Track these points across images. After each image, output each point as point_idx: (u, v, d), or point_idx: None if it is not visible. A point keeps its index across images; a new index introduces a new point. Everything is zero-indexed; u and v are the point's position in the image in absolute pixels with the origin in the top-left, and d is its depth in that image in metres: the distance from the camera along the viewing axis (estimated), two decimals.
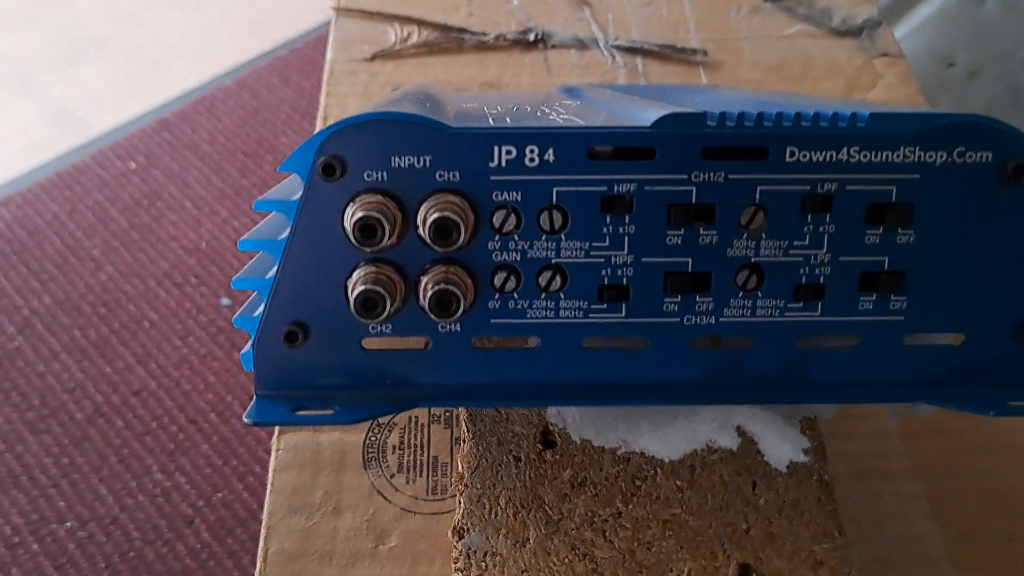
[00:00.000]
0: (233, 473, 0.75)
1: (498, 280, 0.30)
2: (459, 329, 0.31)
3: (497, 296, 0.31)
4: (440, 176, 0.29)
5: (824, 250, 0.30)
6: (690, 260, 0.30)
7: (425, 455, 0.45)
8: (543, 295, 0.31)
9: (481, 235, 0.30)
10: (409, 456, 0.45)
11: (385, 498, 0.44)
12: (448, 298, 0.29)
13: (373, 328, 0.31)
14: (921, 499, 0.43)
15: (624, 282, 0.30)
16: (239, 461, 0.76)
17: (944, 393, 0.32)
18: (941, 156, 0.29)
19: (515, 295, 0.31)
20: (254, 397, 0.31)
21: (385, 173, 0.29)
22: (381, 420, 0.45)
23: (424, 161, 0.29)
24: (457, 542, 0.33)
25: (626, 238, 0.30)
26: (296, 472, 0.44)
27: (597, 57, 0.64)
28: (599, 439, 0.35)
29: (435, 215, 0.28)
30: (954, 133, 0.29)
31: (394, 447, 0.45)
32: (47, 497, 0.73)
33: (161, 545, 0.71)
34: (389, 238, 0.29)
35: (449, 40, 0.65)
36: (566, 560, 0.32)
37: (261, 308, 0.31)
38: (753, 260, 0.30)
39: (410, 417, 0.45)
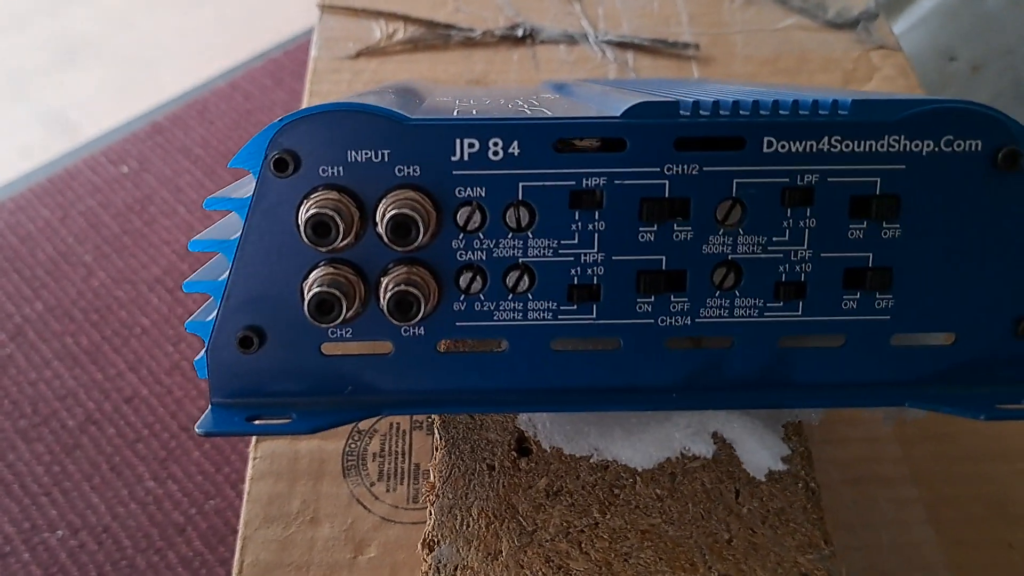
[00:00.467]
0: (225, 481, 0.74)
1: (463, 281, 0.29)
2: (423, 333, 0.30)
3: (462, 297, 0.29)
4: (400, 171, 0.28)
5: (805, 246, 0.29)
6: (664, 258, 0.29)
7: (406, 462, 0.44)
8: (510, 296, 0.29)
9: (444, 233, 0.29)
10: (390, 464, 0.44)
11: (364, 507, 0.43)
12: (408, 300, 0.28)
13: (332, 332, 0.29)
14: (918, 505, 0.42)
15: (595, 281, 0.29)
16: (231, 468, 0.75)
17: (934, 395, 0.31)
18: (928, 145, 0.28)
19: (481, 296, 0.29)
20: (209, 406, 0.30)
21: (341, 168, 0.28)
22: (361, 427, 0.44)
23: (382, 155, 0.28)
24: (427, 555, 0.32)
25: (596, 235, 0.29)
26: (273, 480, 0.44)
27: (587, 52, 0.63)
28: (570, 447, 0.33)
29: (393, 212, 0.27)
30: (941, 120, 0.28)
31: (374, 454, 0.44)
32: (38, 506, 0.73)
33: (153, 554, 0.70)
34: (345, 237, 0.27)
35: (435, 36, 0.64)
36: (540, 573, 0.31)
37: (214, 312, 0.29)
38: (730, 257, 0.29)
39: (391, 424, 0.44)
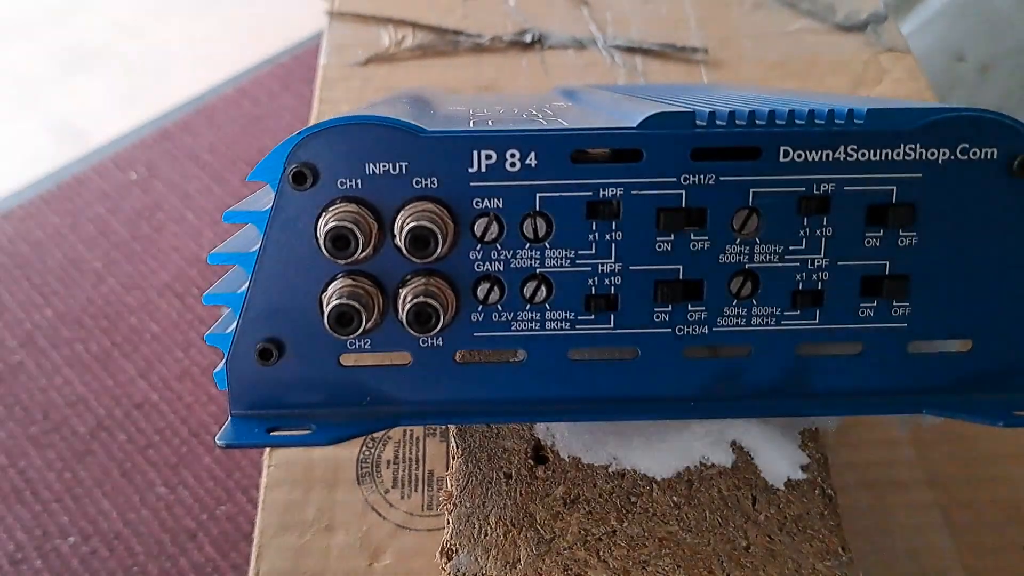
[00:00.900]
0: (236, 486, 0.75)
1: (481, 291, 0.29)
2: (441, 343, 0.30)
3: (480, 308, 0.30)
4: (417, 183, 0.28)
5: (822, 254, 0.29)
6: (681, 267, 0.29)
7: (421, 469, 0.44)
8: (528, 306, 0.30)
9: (462, 244, 0.29)
10: (404, 471, 0.44)
11: (379, 514, 0.43)
12: (427, 311, 0.28)
13: (351, 344, 0.30)
14: (933, 510, 0.42)
15: (612, 291, 0.29)
16: (242, 474, 0.75)
17: (951, 402, 0.31)
18: (944, 153, 0.28)
19: (499, 307, 0.30)
20: (229, 417, 0.30)
21: (359, 180, 0.28)
22: (375, 434, 0.44)
23: (400, 167, 0.28)
24: (445, 564, 0.32)
25: (613, 245, 0.29)
26: (288, 488, 0.44)
27: (596, 57, 0.64)
28: (588, 456, 0.33)
29: (412, 224, 0.27)
30: (957, 128, 0.28)
31: (388, 462, 0.44)
32: (50, 512, 0.73)
33: (165, 560, 0.71)
34: (364, 249, 0.27)
35: (444, 43, 0.64)
36: None
37: (234, 324, 0.29)
38: (747, 266, 0.29)
39: (405, 431, 0.45)
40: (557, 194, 0.28)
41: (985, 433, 0.44)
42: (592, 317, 0.30)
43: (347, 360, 0.30)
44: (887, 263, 0.29)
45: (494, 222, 0.28)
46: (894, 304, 0.30)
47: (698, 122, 0.28)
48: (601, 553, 0.32)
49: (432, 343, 0.30)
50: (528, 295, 0.29)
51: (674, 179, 0.28)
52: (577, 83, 0.61)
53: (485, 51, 0.64)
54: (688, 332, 0.30)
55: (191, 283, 0.88)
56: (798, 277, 0.29)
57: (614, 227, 0.29)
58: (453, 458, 0.35)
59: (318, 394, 0.30)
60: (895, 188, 0.29)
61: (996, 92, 0.90)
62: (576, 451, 0.34)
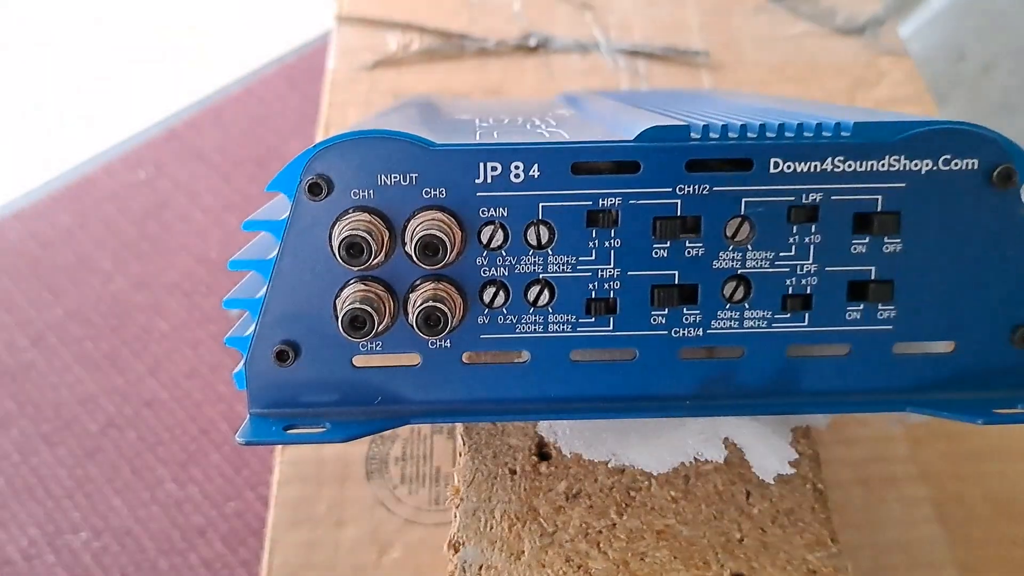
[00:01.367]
0: (245, 483, 0.75)
1: (487, 295, 0.31)
2: (449, 345, 0.31)
3: (486, 311, 0.31)
4: (426, 193, 0.29)
5: (811, 260, 0.30)
6: (677, 272, 0.30)
7: (428, 466, 0.45)
8: (532, 310, 0.31)
9: (469, 251, 0.30)
10: (412, 468, 0.45)
11: (388, 509, 0.44)
12: (436, 315, 0.29)
13: (363, 346, 0.31)
14: (925, 504, 0.43)
15: (611, 295, 0.31)
16: (250, 471, 0.76)
17: (935, 401, 0.32)
18: (926, 164, 0.29)
19: (504, 310, 0.31)
20: (247, 416, 0.31)
21: (371, 191, 0.29)
22: (384, 432, 0.45)
23: (410, 178, 0.29)
24: (453, 556, 0.33)
25: (612, 252, 0.30)
26: (299, 485, 0.45)
27: (599, 61, 0.65)
28: (589, 452, 0.35)
29: (422, 232, 0.28)
30: (940, 140, 0.29)
31: (397, 459, 0.45)
32: (62, 509, 0.74)
33: (175, 555, 0.71)
34: (376, 256, 0.29)
35: (450, 47, 0.65)
36: (561, 572, 0.32)
37: (252, 328, 0.31)
38: (740, 271, 0.30)
39: (413, 429, 0.46)
40: (559, 203, 0.29)
41: (975, 430, 0.45)
42: (592, 320, 0.31)
43: (359, 361, 0.31)
44: (873, 269, 0.30)
45: (499, 230, 0.30)
46: (880, 307, 0.31)
47: (692, 135, 0.29)
48: (601, 545, 0.33)
49: (440, 345, 0.31)
50: (532, 299, 0.31)
51: (670, 189, 0.29)
52: (581, 87, 0.62)
53: (491, 55, 0.65)
54: (684, 334, 0.31)
55: (199, 282, 0.89)
56: (788, 282, 0.31)
57: (613, 235, 0.30)
58: (460, 455, 0.36)
59: (332, 394, 0.31)
60: (880, 197, 0.30)
61: (997, 91, 0.90)
62: (577, 448, 0.35)
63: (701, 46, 0.65)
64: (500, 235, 0.30)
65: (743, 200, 0.30)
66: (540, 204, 0.29)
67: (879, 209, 0.30)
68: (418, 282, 0.30)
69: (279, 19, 1.16)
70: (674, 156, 0.29)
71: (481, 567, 0.33)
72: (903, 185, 0.30)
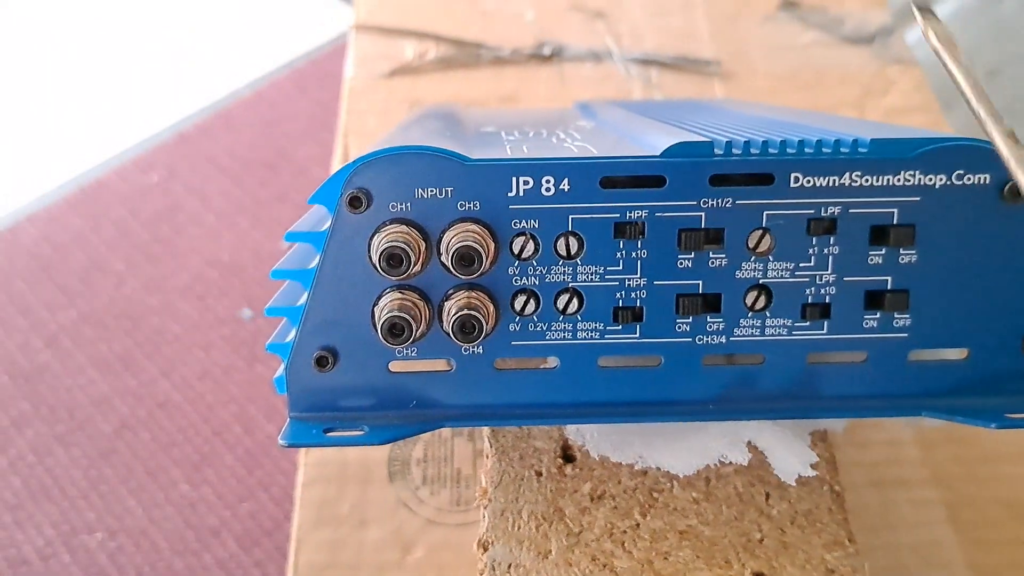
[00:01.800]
0: (258, 484, 0.76)
1: (518, 304, 0.32)
2: (482, 351, 0.32)
3: (518, 319, 0.32)
4: (462, 206, 0.30)
5: (829, 271, 0.31)
6: (701, 282, 0.32)
7: (449, 468, 0.46)
8: (561, 317, 0.32)
9: (501, 261, 0.31)
10: (433, 469, 0.46)
11: (410, 510, 0.45)
12: (471, 323, 0.30)
13: (399, 352, 0.32)
14: (937, 506, 0.44)
15: (638, 304, 0.32)
16: (263, 472, 0.76)
17: (948, 406, 0.33)
18: (940, 179, 0.30)
19: (535, 318, 0.32)
20: (288, 420, 0.32)
21: (409, 204, 0.30)
22: None
23: (446, 192, 0.30)
24: (482, 555, 0.34)
25: (639, 262, 0.31)
26: (323, 486, 0.46)
27: (612, 70, 0.65)
28: (616, 455, 0.36)
29: (458, 244, 0.30)
30: (953, 156, 0.30)
31: (418, 460, 0.46)
32: (77, 509, 0.74)
33: (189, 556, 0.72)
34: (414, 266, 0.30)
35: (466, 55, 0.66)
36: (587, 571, 0.33)
37: (292, 334, 0.32)
38: (761, 281, 0.32)
39: (433, 431, 0.46)
40: (588, 216, 0.31)
41: (986, 434, 0.45)
42: (620, 328, 0.32)
43: (395, 367, 0.32)
44: (889, 279, 0.32)
45: (531, 241, 0.31)
46: (896, 316, 0.32)
47: (716, 151, 0.30)
48: (626, 545, 0.34)
49: (473, 351, 0.32)
50: (561, 307, 0.32)
51: (694, 203, 0.30)
52: (594, 95, 0.63)
53: (505, 63, 0.65)
54: (707, 342, 0.32)
55: (211, 284, 0.89)
56: (808, 292, 0.32)
57: (640, 246, 0.31)
58: (487, 457, 0.37)
59: (369, 398, 0.33)
60: (896, 211, 0.31)
61: (1002, 97, 0.90)
62: (605, 451, 0.36)
63: (712, 55, 0.66)
64: (531, 246, 0.31)
65: (764, 213, 0.31)
66: (570, 216, 0.31)
67: (895, 222, 0.31)
68: (452, 291, 0.31)
69: (289, 24, 1.16)
70: (699, 171, 0.30)
71: (510, 566, 0.34)
72: (918, 199, 0.31)
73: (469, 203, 0.30)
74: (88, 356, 0.84)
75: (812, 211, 0.31)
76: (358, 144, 0.59)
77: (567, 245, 0.31)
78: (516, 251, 0.31)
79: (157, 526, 0.73)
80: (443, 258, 0.30)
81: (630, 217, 0.31)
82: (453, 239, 0.30)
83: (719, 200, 0.31)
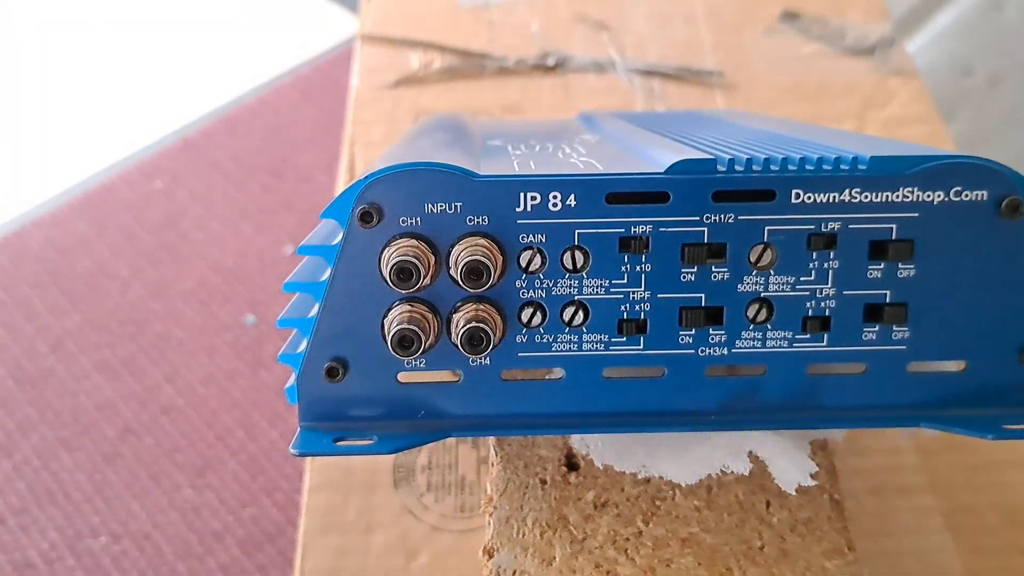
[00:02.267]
0: (261, 489, 0.76)
1: (525, 316, 0.32)
2: (489, 363, 0.33)
3: (524, 331, 0.32)
4: (470, 220, 0.31)
5: (829, 284, 0.32)
6: (703, 295, 0.32)
7: (453, 475, 0.46)
8: (567, 329, 0.32)
9: (509, 275, 0.32)
10: (438, 476, 0.46)
11: (415, 516, 0.45)
12: (479, 335, 0.31)
13: (408, 363, 0.32)
14: (936, 513, 0.44)
15: (642, 316, 0.32)
16: (266, 477, 0.76)
17: (947, 417, 0.33)
18: (938, 195, 0.31)
19: (541, 330, 0.32)
20: (298, 429, 0.33)
21: (419, 219, 0.31)
22: None
23: (455, 207, 0.31)
24: (487, 561, 0.35)
25: (643, 275, 0.32)
26: (329, 492, 0.46)
27: (615, 80, 0.66)
28: (620, 464, 0.36)
29: (467, 258, 0.30)
30: (951, 173, 0.31)
31: (423, 467, 0.47)
32: (81, 513, 0.74)
33: (193, 560, 0.72)
34: (423, 279, 0.30)
35: (470, 65, 0.66)
36: None
37: (303, 345, 0.32)
38: (763, 295, 0.32)
39: None
40: (593, 231, 0.31)
41: (984, 443, 0.46)
42: (624, 339, 0.32)
43: (404, 378, 0.33)
44: (888, 292, 0.32)
45: (538, 255, 0.31)
46: (894, 329, 0.32)
47: (719, 167, 0.31)
48: (629, 552, 0.34)
49: (481, 363, 0.33)
50: (567, 319, 0.32)
51: (697, 218, 0.31)
52: (597, 105, 0.63)
53: (510, 74, 0.66)
54: (710, 353, 0.33)
55: (215, 290, 0.89)
56: (808, 305, 0.32)
57: (644, 260, 0.31)
58: (492, 465, 0.38)
59: (378, 408, 0.33)
60: (895, 226, 0.31)
61: (1004, 106, 0.90)
62: (609, 460, 0.36)
63: (714, 66, 0.66)
64: (538, 260, 0.31)
65: (766, 228, 0.31)
66: (576, 231, 0.31)
67: (894, 237, 0.31)
68: (460, 303, 0.32)
69: (294, 30, 1.17)
70: (702, 187, 0.31)
71: (515, 572, 0.34)
72: (916, 215, 0.31)
73: (478, 218, 0.31)
74: (92, 361, 0.84)
75: (812, 226, 0.31)
76: (363, 153, 0.60)
77: (573, 259, 0.31)
78: (523, 265, 0.31)
79: (161, 530, 0.73)
80: (452, 272, 0.31)
81: (634, 232, 0.31)
82: (462, 253, 0.31)
83: (721, 215, 0.31)
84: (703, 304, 0.32)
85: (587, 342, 0.33)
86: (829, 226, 0.31)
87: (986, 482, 0.46)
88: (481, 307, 0.32)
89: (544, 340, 0.33)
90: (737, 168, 0.31)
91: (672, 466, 0.36)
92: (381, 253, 0.31)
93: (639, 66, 0.66)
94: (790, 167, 0.31)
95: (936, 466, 0.46)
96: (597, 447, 0.37)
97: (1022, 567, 0.44)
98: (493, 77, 0.66)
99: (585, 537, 0.35)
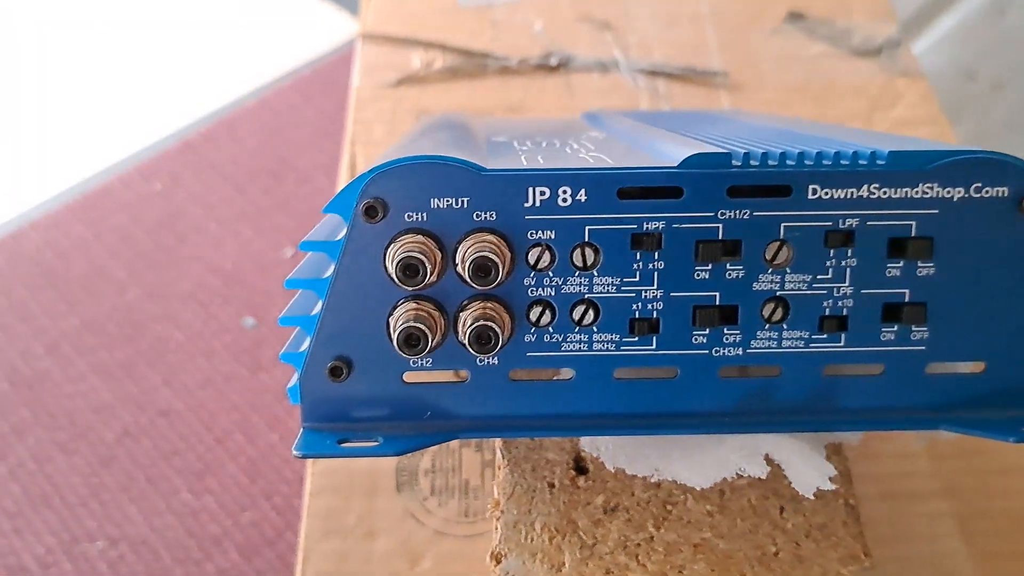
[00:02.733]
0: (260, 493, 0.75)
1: (534, 315, 0.31)
2: (496, 362, 0.32)
3: (533, 330, 0.32)
4: (478, 216, 0.30)
5: (847, 283, 0.31)
6: (718, 294, 0.31)
7: (457, 478, 0.46)
8: (577, 328, 0.32)
9: (517, 272, 0.31)
10: (441, 479, 0.46)
11: (418, 521, 0.45)
12: (487, 333, 0.30)
13: (414, 362, 0.32)
14: (948, 519, 0.44)
15: (654, 315, 0.32)
16: (265, 481, 0.76)
17: (966, 419, 0.33)
18: (959, 192, 0.30)
19: (550, 329, 0.32)
20: (301, 430, 0.32)
21: (425, 214, 0.30)
22: None
23: (462, 202, 0.30)
24: (495, 567, 0.34)
25: (656, 273, 0.31)
26: (330, 496, 0.46)
27: (620, 80, 0.65)
28: (632, 467, 0.36)
29: (474, 254, 0.30)
30: (971, 169, 0.30)
31: (426, 471, 0.46)
32: (78, 517, 0.74)
33: (191, 565, 0.71)
34: (430, 276, 0.30)
35: (473, 65, 0.66)
36: None
37: (306, 344, 0.32)
38: (778, 293, 0.31)
39: None
40: (605, 227, 0.30)
41: (998, 447, 0.45)
42: (636, 339, 0.32)
43: (410, 377, 0.32)
44: (907, 292, 0.31)
45: (547, 252, 0.31)
46: (913, 329, 0.32)
47: (734, 162, 0.30)
48: (640, 558, 0.34)
49: (489, 362, 0.32)
50: (577, 318, 0.31)
51: (712, 214, 0.30)
52: (601, 106, 0.63)
53: (512, 73, 0.65)
54: (724, 354, 0.32)
55: (213, 292, 0.89)
56: (825, 304, 0.32)
57: (657, 257, 0.31)
58: (499, 468, 0.37)
59: (383, 408, 0.32)
60: (914, 223, 0.31)
61: (1008, 109, 0.91)
62: (620, 463, 0.36)
63: (720, 66, 0.66)
64: (547, 256, 0.31)
65: (782, 225, 0.31)
66: (587, 227, 0.30)
67: (913, 234, 0.31)
68: (468, 301, 0.31)
69: (293, 32, 1.17)
70: (716, 182, 0.30)
71: None
72: (936, 211, 0.31)
73: (485, 213, 0.30)
74: (89, 363, 0.84)
75: (830, 223, 0.31)
76: (365, 153, 0.59)
77: (583, 256, 0.31)
78: (532, 262, 0.31)
79: (158, 535, 0.73)
80: (459, 268, 0.30)
81: (647, 228, 0.31)
82: (469, 249, 0.30)
83: (736, 211, 0.30)
84: (717, 303, 0.32)
85: (598, 342, 0.32)
86: (847, 223, 0.31)
87: (999, 487, 0.45)
88: (489, 305, 0.31)
89: (553, 339, 0.32)
90: (752, 163, 0.30)
91: (686, 469, 0.35)
92: (386, 249, 0.30)
93: (643, 66, 0.65)
94: (807, 161, 0.30)
95: (949, 471, 0.45)
96: (608, 449, 0.36)
97: None
98: (496, 77, 0.65)
99: (595, 542, 0.34)
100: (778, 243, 0.31)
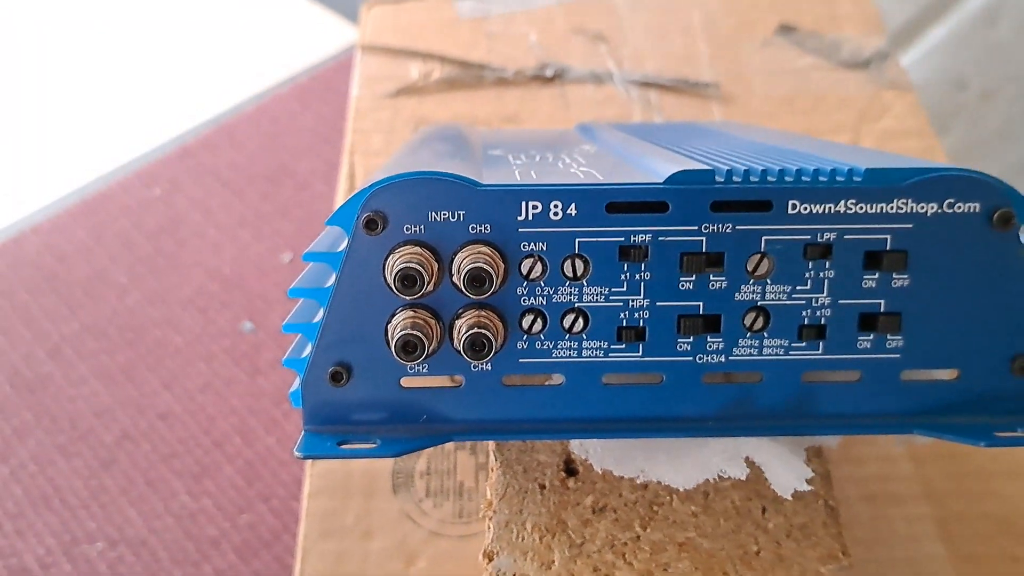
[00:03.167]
0: (258, 496, 0.76)
1: (526, 323, 0.33)
2: (490, 368, 0.33)
3: (525, 337, 0.33)
4: (473, 229, 0.31)
5: (825, 294, 0.33)
6: (701, 304, 0.33)
7: (452, 480, 0.47)
8: (567, 336, 0.33)
9: (510, 282, 0.32)
10: (436, 481, 0.47)
11: (414, 522, 0.46)
12: (481, 341, 0.31)
13: (411, 368, 0.33)
14: (929, 521, 0.45)
15: (641, 324, 0.33)
16: (263, 484, 0.76)
17: (940, 424, 0.34)
18: (932, 207, 0.32)
19: (542, 336, 0.33)
20: (303, 432, 0.33)
21: (423, 227, 0.31)
22: None
23: (458, 215, 0.31)
24: (487, 564, 0.35)
25: (642, 284, 0.32)
26: (328, 497, 0.46)
27: (613, 91, 0.66)
28: (619, 469, 0.37)
29: (470, 265, 0.31)
30: (945, 186, 0.31)
31: (422, 473, 0.47)
32: (78, 519, 0.74)
33: (189, 566, 0.72)
34: (427, 286, 0.31)
35: (470, 76, 0.67)
36: None
37: (308, 350, 0.33)
38: (759, 303, 0.33)
39: None
40: (594, 239, 0.32)
41: (977, 451, 0.45)
42: (623, 346, 0.33)
43: (407, 383, 0.33)
44: (882, 302, 0.33)
45: (539, 263, 0.32)
46: (889, 338, 0.33)
47: (717, 178, 0.31)
48: (627, 556, 0.35)
49: (482, 368, 0.33)
50: (567, 326, 0.33)
51: (696, 227, 0.32)
52: (595, 116, 0.64)
53: (509, 84, 0.66)
54: (707, 360, 0.33)
55: (213, 297, 0.89)
56: (804, 314, 0.33)
57: (643, 268, 0.32)
58: (491, 470, 0.38)
59: (381, 412, 0.34)
60: (889, 237, 0.32)
61: (997, 119, 0.91)
62: (608, 465, 0.37)
63: (711, 78, 0.67)
64: (539, 267, 0.32)
65: (763, 238, 0.32)
66: (576, 239, 0.32)
67: (888, 248, 0.32)
68: (463, 310, 0.32)
69: (292, 39, 1.17)
70: (700, 198, 0.31)
71: (515, 575, 0.35)
72: (910, 226, 0.32)
73: (480, 226, 0.31)
74: (90, 367, 0.84)
75: (809, 236, 0.32)
76: (363, 162, 0.60)
77: (573, 267, 0.32)
78: (524, 272, 0.32)
79: (157, 536, 0.73)
80: (455, 278, 0.32)
81: (634, 241, 0.32)
82: (464, 260, 0.31)
83: (720, 225, 0.32)
84: (701, 312, 0.33)
85: (587, 349, 0.33)
86: (825, 236, 0.32)
87: (978, 491, 0.46)
88: (483, 313, 0.32)
89: (544, 346, 0.33)
90: (735, 179, 0.31)
91: (670, 471, 0.36)
92: (385, 260, 0.31)
93: (637, 77, 0.67)
94: (787, 178, 0.31)
95: (929, 474, 0.46)
96: (596, 452, 0.37)
97: (1013, 574, 0.44)
98: (492, 87, 0.66)
99: (583, 541, 0.35)
100: (759, 255, 0.32)
